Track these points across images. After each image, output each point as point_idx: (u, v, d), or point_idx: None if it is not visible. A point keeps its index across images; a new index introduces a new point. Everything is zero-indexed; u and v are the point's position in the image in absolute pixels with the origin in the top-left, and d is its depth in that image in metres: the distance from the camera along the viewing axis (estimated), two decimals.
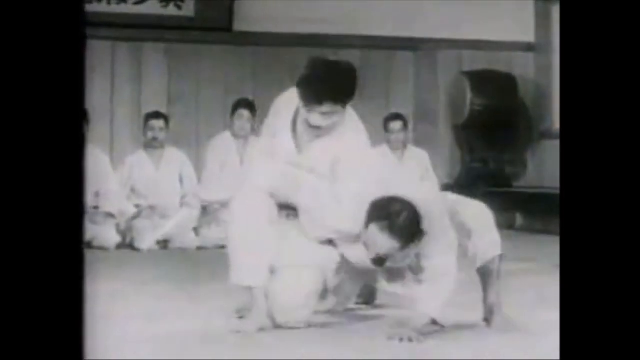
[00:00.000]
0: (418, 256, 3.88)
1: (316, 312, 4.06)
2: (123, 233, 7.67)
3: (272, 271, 3.99)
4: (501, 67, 10.83)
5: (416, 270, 3.93)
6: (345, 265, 4.05)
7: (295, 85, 4.15)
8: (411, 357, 3.56)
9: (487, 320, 4.06)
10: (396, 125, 8.41)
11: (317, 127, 4.06)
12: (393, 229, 3.75)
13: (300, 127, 4.15)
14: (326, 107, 4.00)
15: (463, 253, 3.99)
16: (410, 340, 3.73)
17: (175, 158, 8.07)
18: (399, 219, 3.77)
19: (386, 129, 8.45)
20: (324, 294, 4.07)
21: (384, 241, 3.76)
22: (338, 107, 4.03)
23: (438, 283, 3.87)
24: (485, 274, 4.07)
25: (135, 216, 7.72)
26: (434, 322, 3.87)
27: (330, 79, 4.04)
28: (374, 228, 3.77)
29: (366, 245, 3.83)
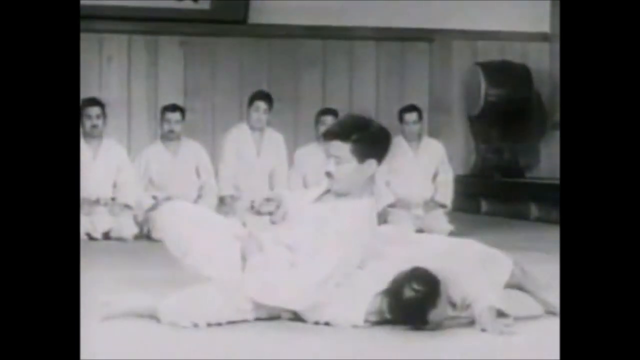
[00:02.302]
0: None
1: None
2: (140, 224, 7.72)
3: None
4: (516, 57, 10.82)
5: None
6: None
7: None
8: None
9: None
10: (411, 116, 8.41)
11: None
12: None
13: None
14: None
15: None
16: (502, 333, 3.76)
17: (191, 150, 8.10)
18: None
19: (401, 120, 8.45)
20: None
21: None
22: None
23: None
24: None
25: (153, 207, 7.75)
26: (500, 313, 3.88)
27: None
28: None
29: None
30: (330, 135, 3.98)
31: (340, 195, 3.98)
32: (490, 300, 3.86)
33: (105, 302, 3.97)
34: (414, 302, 3.80)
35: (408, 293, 3.80)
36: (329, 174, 3.95)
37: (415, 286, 3.81)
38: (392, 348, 3.68)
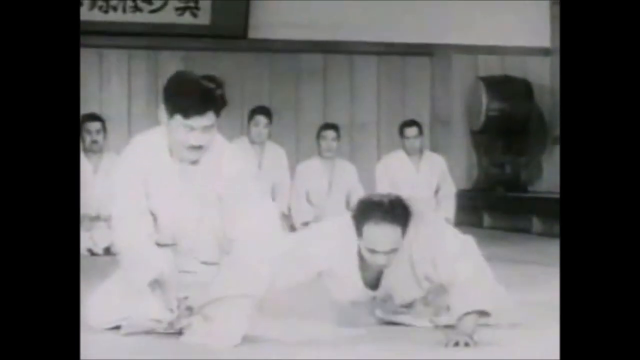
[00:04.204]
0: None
1: None
2: None
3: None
4: (517, 72, 10.82)
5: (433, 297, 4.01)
6: None
7: (164, 99, 3.84)
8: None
9: None
10: (412, 131, 8.41)
11: (198, 148, 3.80)
12: (387, 214, 3.79)
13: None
14: (208, 119, 3.78)
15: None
16: (466, 344, 3.70)
17: None
18: (387, 201, 3.84)
19: (402, 134, 8.45)
20: None
21: (384, 232, 3.79)
22: (213, 119, 3.80)
23: (467, 282, 3.85)
24: None
25: None
26: (483, 313, 3.83)
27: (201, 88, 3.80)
28: (369, 226, 3.80)
29: (367, 251, 3.85)
30: (197, 110, 3.75)
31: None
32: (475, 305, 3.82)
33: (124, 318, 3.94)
34: (391, 198, 3.84)
35: (376, 198, 3.89)
36: (200, 147, 3.78)
37: (378, 197, 3.88)
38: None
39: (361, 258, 3.93)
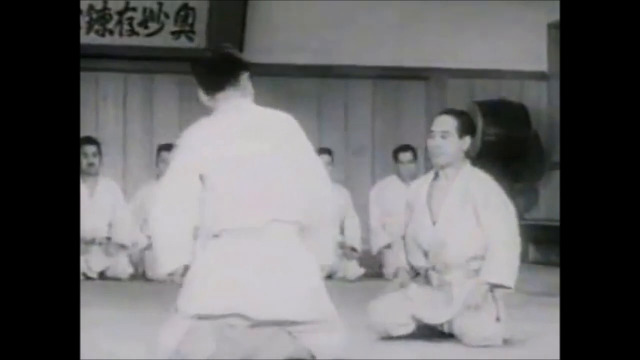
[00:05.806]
0: None
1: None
2: (135, 264, 7.68)
3: None
4: (513, 96, 10.80)
5: None
6: None
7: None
8: None
9: None
10: (406, 156, 8.41)
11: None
12: (448, 110, 5.05)
13: None
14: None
15: None
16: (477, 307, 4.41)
17: None
18: (453, 110, 5.07)
19: (396, 160, 8.45)
20: None
21: (442, 117, 4.93)
22: None
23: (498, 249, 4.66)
24: None
25: (148, 247, 7.71)
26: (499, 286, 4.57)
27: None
28: (436, 117, 4.95)
29: (430, 136, 4.91)
30: None
31: None
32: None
33: None
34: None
35: None
36: None
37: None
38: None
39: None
